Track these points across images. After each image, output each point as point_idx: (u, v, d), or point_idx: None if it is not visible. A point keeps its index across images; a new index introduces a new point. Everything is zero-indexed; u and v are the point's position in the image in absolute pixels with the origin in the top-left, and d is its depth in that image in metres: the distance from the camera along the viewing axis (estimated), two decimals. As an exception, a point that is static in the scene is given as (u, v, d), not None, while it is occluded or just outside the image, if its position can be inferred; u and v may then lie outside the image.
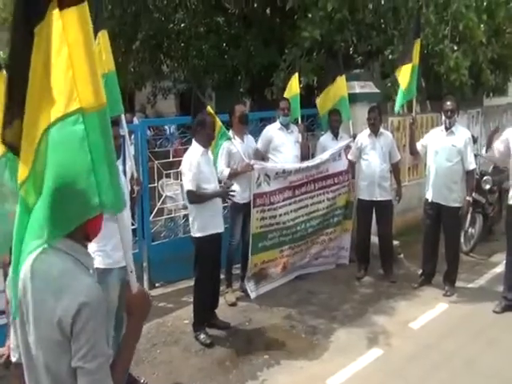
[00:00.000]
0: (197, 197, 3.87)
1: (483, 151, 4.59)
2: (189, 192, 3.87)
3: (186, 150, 4.28)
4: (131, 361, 1.56)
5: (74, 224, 1.38)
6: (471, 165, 4.76)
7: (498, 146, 4.47)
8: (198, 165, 3.85)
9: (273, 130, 5.21)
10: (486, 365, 3.63)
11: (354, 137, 5.44)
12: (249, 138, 4.94)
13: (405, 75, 5.20)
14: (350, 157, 5.34)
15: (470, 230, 5.95)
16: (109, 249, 2.95)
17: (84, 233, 1.43)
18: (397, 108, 5.53)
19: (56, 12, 1.28)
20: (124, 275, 2.84)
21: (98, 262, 2.99)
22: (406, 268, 5.57)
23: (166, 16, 8.19)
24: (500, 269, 5.06)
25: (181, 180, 5.38)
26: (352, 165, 5.34)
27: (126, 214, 2.93)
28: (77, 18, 1.30)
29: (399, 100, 5.36)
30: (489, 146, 4.53)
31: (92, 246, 3.01)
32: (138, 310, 1.51)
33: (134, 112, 7.65)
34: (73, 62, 1.30)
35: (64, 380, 1.33)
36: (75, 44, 1.30)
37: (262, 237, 4.75)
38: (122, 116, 3.54)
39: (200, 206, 3.90)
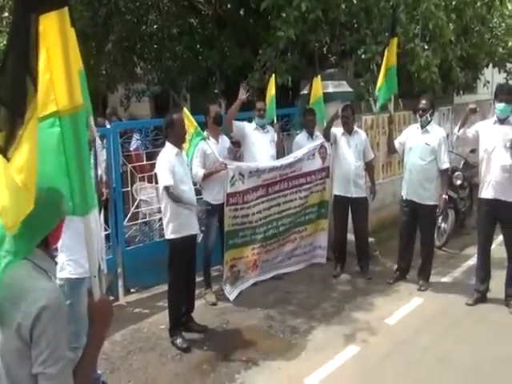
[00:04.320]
0: (173, 195, 3.79)
1: (455, 130, 4.64)
2: (167, 187, 3.80)
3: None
4: (94, 368, 1.54)
5: (46, 231, 1.40)
6: (445, 164, 4.82)
7: (469, 132, 4.55)
8: (172, 165, 3.82)
9: (249, 129, 5.22)
10: (459, 359, 3.70)
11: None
12: (224, 139, 4.93)
13: (381, 75, 5.29)
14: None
15: (442, 225, 6.07)
16: (79, 258, 2.90)
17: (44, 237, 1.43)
18: (379, 104, 5.56)
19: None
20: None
21: (69, 272, 2.94)
22: (382, 264, 5.65)
23: (138, 18, 8.10)
24: (472, 261, 5.17)
25: (155, 183, 5.36)
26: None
27: (93, 217, 2.88)
28: (56, 22, 1.31)
29: (382, 96, 5.38)
30: (463, 124, 4.57)
31: (62, 256, 2.96)
32: (101, 318, 1.50)
33: (106, 115, 7.53)
34: (51, 65, 1.32)
35: None
36: (53, 47, 1.31)
37: (234, 234, 4.79)
38: (91, 118, 3.47)
39: (175, 206, 3.85)
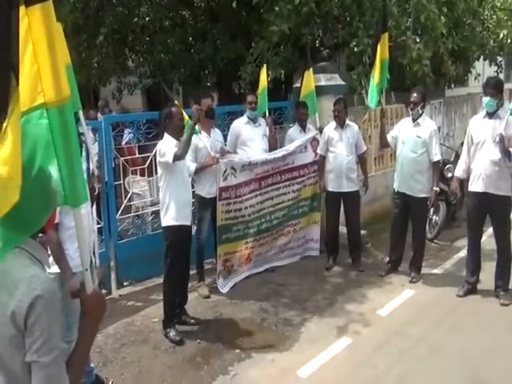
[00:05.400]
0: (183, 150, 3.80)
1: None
2: (174, 157, 3.77)
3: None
4: (87, 362, 1.54)
5: (42, 222, 1.40)
6: (436, 156, 4.85)
7: (466, 154, 4.58)
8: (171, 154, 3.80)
9: (240, 125, 5.21)
10: (450, 349, 3.75)
11: (320, 130, 5.48)
12: (216, 133, 4.91)
13: (376, 71, 5.28)
14: (319, 152, 5.36)
15: (433, 217, 6.12)
16: (71, 252, 2.88)
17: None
18: (373, 104, 5.49)
19: (22, 9, 1.29)
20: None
21: None
22: (374, 257, 5.69)
23: (129, 10, 8.01)
24: (463, 253, 5.22)
25: (148, 176, 5.34)
26: (322, 159, 5.35)
27: (86, 211, 2.87)
28: (42, 14, 1.31)
29: (373, 95, 5.38)
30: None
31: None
32: (93, 312, 1.49)
33: (99, 108, 7.49)
34: (37, 57, 1.32)
35: (18, 376, 1.33)
36: (39, 40, 1.32)
37: (227, 229, 4.80)
38: (80, 112, 3.46)
39: (175, 193, 3.85)
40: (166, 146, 3.84)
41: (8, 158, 1.24)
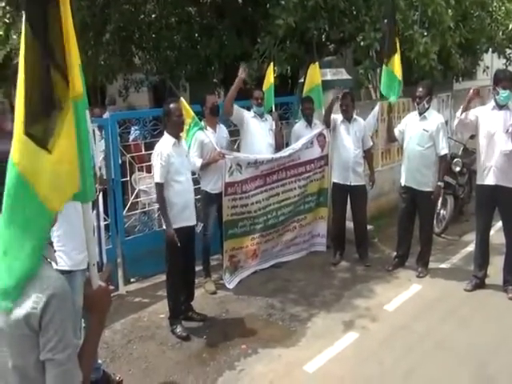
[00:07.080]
0: (161, 195, 3.86)
1: (458, 113, 4.55)
2: (156, 184, 3.89)
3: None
4: (95, 357, 1.55)
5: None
6: (443, 150, 4.80)
7: (470, 115, 4.47)
8: (167, 157, 3.82)
9: (247, 116, 5.20)
10: (457, 344, 3.73)
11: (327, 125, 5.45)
12: (221, 128, 4.91)
13: (397, 65, 5.20)
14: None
15: (441, 211, 6.07)
16: (69, 249, 2.85)
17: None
18: (394, 99, 5.38)
19: None
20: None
21: (59, 264, 2.89)
22: (381, 251, 5.67)
23: (136, 7, 8.04)
24: (471, 248, 5.17)
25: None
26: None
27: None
28: (58, 9, 1.30)
29: (396, 90, 5.29)
30: (466, 107, 4.45)
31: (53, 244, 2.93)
32: (99, 307, 1.50)
33: (105, 106, 7.54)
34: None
35: (31, 375, 1.34)
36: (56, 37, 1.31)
37: (233, 224, 4.81)
38: (87, 111, 3.46)
39: (169, 199, 3.87)
40: (157, 157, 3.83)
41: (65, 156, 1.31)
